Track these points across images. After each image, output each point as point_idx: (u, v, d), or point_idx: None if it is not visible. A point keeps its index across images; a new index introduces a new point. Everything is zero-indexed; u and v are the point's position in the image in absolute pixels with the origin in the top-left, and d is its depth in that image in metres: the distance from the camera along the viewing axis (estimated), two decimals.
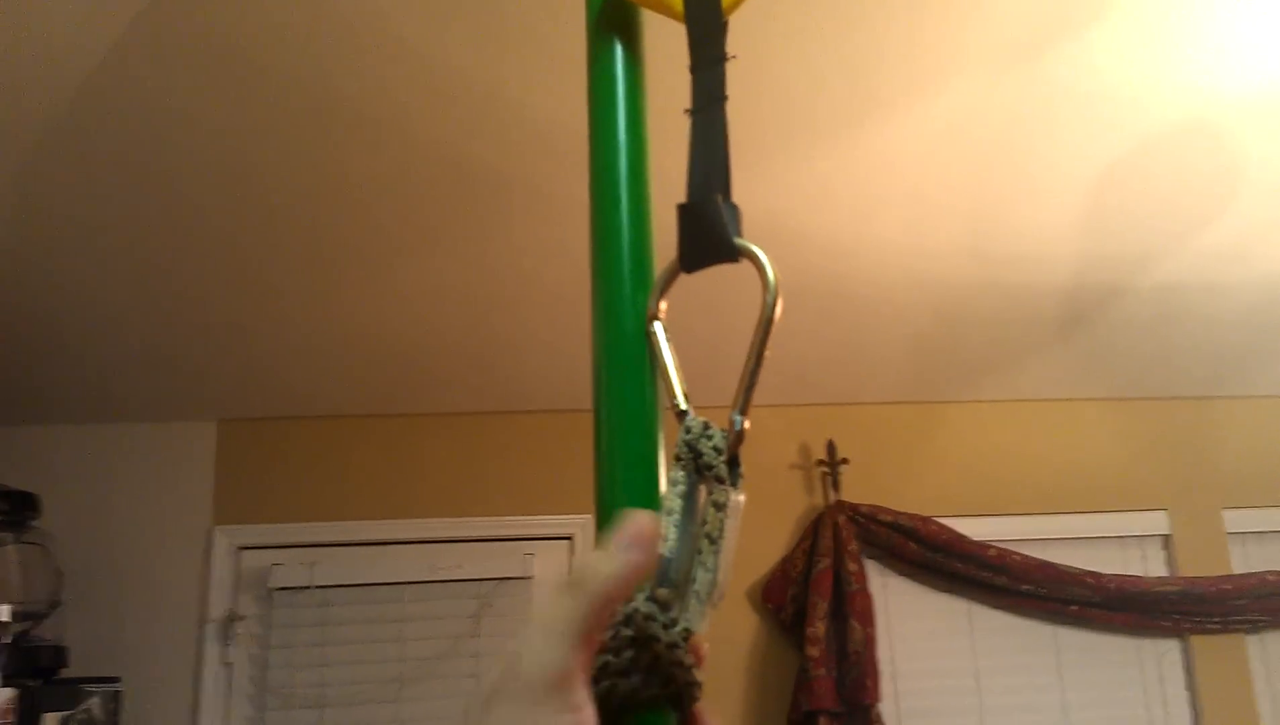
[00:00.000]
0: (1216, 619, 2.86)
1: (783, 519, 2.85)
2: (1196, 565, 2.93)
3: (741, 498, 0.45)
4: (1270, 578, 2.88)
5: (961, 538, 2.78)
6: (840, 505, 2.76)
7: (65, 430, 2.71)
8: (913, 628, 2.84)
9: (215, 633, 2.59)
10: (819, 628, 2.61)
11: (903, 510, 2.78)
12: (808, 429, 2.92)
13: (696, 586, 0.42)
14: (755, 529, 2.79)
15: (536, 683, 0.37)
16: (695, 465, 0.45)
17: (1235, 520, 3.00)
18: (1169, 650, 2.90)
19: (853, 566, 2.68)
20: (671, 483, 0.45)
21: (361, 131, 1.78)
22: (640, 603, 0.42)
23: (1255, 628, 2.90)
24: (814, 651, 2.59)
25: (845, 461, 2.84)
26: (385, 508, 2.73)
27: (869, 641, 2.61)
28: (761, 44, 1.62)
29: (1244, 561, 2.99)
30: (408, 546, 2.70)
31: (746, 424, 0.45)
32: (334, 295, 2.29)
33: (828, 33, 1.61)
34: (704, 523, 0.44)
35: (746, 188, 1.93)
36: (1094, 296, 2.51)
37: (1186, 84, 1.81)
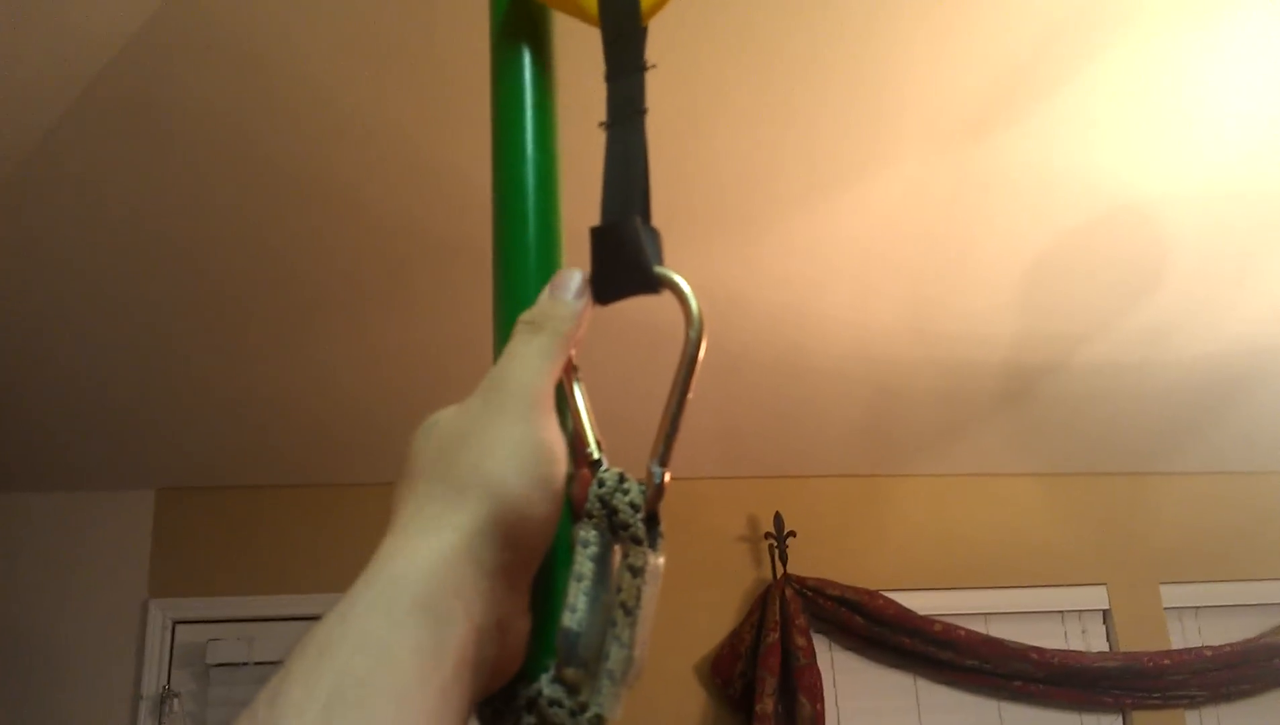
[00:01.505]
0: (1157, 694, 2.89)
1: (730, 592, 2.84)
2: (1136, 640, 2.97)
3: (661, 561, 0.38)
4: (1207, 653, 2.92)
5: (907, 612, 2.80)
6: (788, 578, 2.77)
7: None
8: (860, 703, 2.82)
9: (149, 710, 2.49)
10: (767, 704, 2.59)
11: (849, 584, 2.80)
12: (755, 501, 2.94)
13: (610, 664, 0.36)
14: (703, 602, 2.78)
15: (521, 398, 0.40)
16: (609, 524, 0.39)
17: (1172, 595, 3.06)
18: None
19: (801, 641, 2.67)
20: (582, 544, 0.39)
21: (313, 200, 1.80)
22: (545, 685, 0.37)
23: (1194, 703, 2.93)
24: None
25: (793, 534, 2.86)
26: (328, 581, 2.67)
27: (818, 718, 2.59)
28: (717, 124, 1.67)
29: (1181, 637, 3.04)
30: None
31: (667, 477, 0.39)
32: (279, 361, 2.28)
33: (780, 117, 1.67)
34: (618, 590, 0.38)
35: (698, 261, 1.98)
36: (1030, 374, 2.58)
37: (1116, 172, 1.91)
